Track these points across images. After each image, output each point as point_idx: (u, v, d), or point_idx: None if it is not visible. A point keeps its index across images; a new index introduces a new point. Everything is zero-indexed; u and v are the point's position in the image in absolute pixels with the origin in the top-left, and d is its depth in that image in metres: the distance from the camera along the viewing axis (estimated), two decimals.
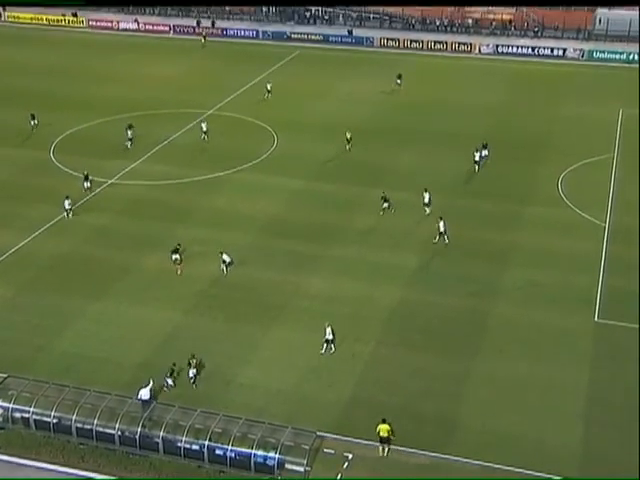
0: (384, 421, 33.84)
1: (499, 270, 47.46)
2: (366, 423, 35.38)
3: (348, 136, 64.30)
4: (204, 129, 66.11)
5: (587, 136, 67.41)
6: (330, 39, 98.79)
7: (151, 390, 36.31)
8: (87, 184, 56.98)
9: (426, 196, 53.46)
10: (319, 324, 41.87)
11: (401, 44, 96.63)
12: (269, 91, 76.13)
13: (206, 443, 33.61)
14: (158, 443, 34.14)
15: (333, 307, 43.88)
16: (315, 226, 52.77)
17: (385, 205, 53.88)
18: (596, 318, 42.93)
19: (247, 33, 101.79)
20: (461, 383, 38.30)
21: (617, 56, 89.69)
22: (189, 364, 38.25)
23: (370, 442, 34.44)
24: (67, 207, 53.18)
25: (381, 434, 33.75)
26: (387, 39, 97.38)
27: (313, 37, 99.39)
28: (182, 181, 59.46)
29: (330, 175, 60.41)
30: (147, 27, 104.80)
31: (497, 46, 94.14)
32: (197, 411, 34.87)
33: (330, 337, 40.19)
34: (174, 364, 38.28)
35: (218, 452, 33.58)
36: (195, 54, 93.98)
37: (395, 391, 37.68)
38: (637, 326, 41.90)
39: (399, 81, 78.62)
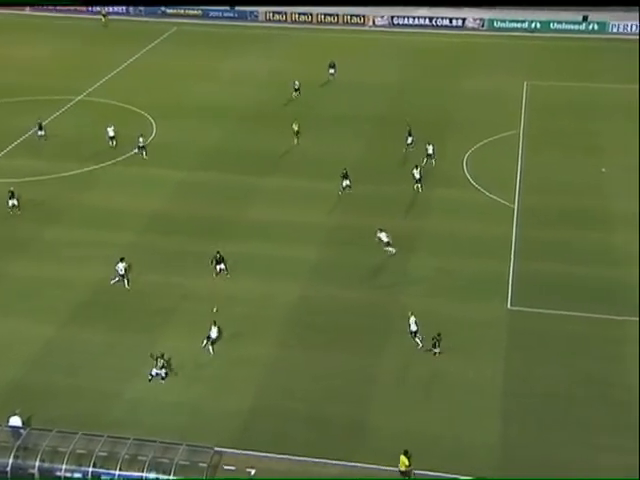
0: (405, 453, 33.13)
1: (405, 259, 48.21)
2: (269, 434, 35.50)
3: (295, 128, 62.73)
4: (111, 134, 62.27)
5: (491, 111, 69.20)
6: (210, 14, 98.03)
7: (22, 417, 35.31)
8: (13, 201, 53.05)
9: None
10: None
11: (288, 18, 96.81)
12: (297, 89, 72.14)
13: (90, 470, 33.00)
14: (34, 474, 33.27)
15: (227, 308, 43.55)
16: (203, 221, 52.37)
17: (346, 183, 54.55)
18: (509, 305, 44.19)
19: (115, 9, 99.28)
20: (370, 383, 38.73)
21: (519, 25, 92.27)
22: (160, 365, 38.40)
23: (275, 455, 34.45)
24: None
25: (399, 467, 33.13)
26: (273, 13, 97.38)
27: (191, 12, 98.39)
28: (50, 177, 58.00)
29: (217, 164, 60.05)
30: None
31: (392, 18, 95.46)
32: (78, 434, 34.14)
33: (214, 335, 40.66)
34: (162, 354, 38.62)
35: (104, 478, 32.97)
36: (58, 34, 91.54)
37: (299, 396, 37.80)
38: (550, 311, 43.37)
39: (332, 71, 76.74)
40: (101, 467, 33.09)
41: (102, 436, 34.15)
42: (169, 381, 38.76)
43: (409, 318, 40.84)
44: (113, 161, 60.43)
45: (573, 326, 42.36)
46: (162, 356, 38.89)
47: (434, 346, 40.03)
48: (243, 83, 76.14)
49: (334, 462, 34.22)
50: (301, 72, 77.63)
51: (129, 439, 33.96)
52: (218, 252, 46.48)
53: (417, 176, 55.24)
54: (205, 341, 40.67)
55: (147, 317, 43.37)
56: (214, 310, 41.49)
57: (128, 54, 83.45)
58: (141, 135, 61.40)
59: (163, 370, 38.63)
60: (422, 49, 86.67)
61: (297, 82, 72.30)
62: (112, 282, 45.85)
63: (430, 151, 59.10)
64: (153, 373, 38.59)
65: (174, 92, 73.94)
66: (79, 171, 58.94)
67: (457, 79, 77.08)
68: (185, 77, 77.45)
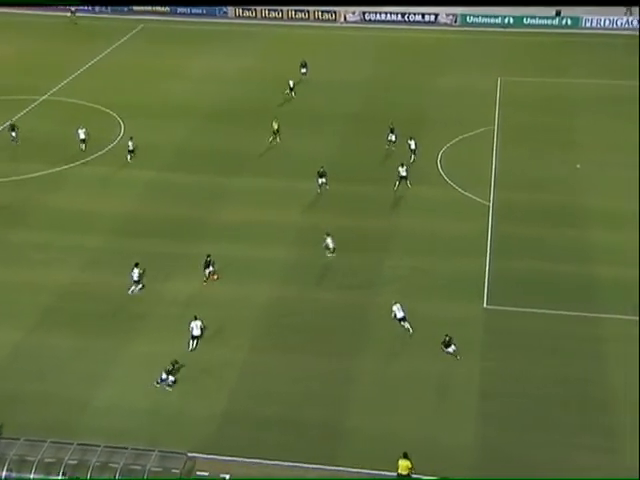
0: (405, 456, 33.09)
1: (380, 259, 48.28)
2: (243, 438, 35.48)
3: (275, 126, 62.27)
4: (82, 137, 61.26)
5: (464, 108, 69.41)
6: (178, 11, 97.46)
7: None
8: None
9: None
10: (183, 333, 41.57)
11: (258, 14, 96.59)
12: (292, 88, 71.59)
13: (59, 478, 32.70)
14: None
15: (200, 312, 43.19)
16: (174, 222, 52.14)
17: (322, 181, 54.82)
18: (485, 305, 44.37)
19: (79, 6, 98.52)
20: (346, 385, 38.75)
21: (492, 20, 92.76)
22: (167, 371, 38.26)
23: (249, 459, 34.40)
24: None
25: (399, 471, 33.00)
26: (242, 9, 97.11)
27: (158, 9, 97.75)
28: (15, 179, 57.50)
29: (188, 164, 59.80)
30: None
31: (364, 13, 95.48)
32: (47, 442, 33.91)
33: (197, 333, 40.77)
34: (176, 361, 38.77)
35: None
36: (22, 32, 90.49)
37: (273, 400, 37.75)
38: (526, 310, 43.66)
39: (304, 70, 75.85)
40: (72, 475, 32.77)
41: (72, 444, 33.94)
42: (140, 385, 38.59)
43: (392, 306, 41.43)
44: (81, 162, 60.02)
45: (550, 324, 42.62)
46: (176, 362, 38.85)
47: (447, 346, 39.94)
48: (213, 81, 75.86)
49: (311, 466, 34.21)
50: (273, 70, 77.74)
51: (99, 446, 33.77)
52: (208, 255, 46.12)
53: (403, 174, 55.23)
54: (194, 342, 41.03)
55: (117, 321, 43.12)
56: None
57: (94, 52, 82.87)
58: (130, 138, 60.45)
59: (170, 376, 38.30)
60: (395, 45, 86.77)
61: (291, 81, 71.90)
62: (130, 292, 45.29)
63: (412, 146, 59.38)
64: (163, 378, 38.22)
65: (143, 91, 73.60)
66: (46, 172, 58.48)
67: (430, 75, 77.27)
68: (154, 75, 77.12)
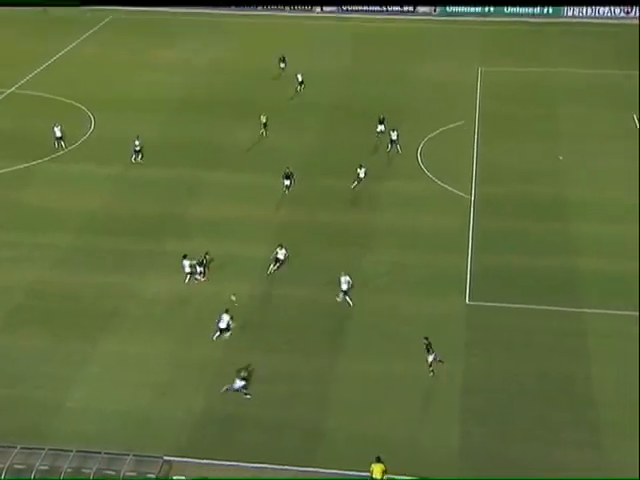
0: (378, 460, 32.81)
1: (360, 255, 48.24)
2: (220, 441, 35.40)
3: (263, 120, 62.11)
4: (57, 134, 60.16)
5: (445, 99, 69.57)
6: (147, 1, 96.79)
7: None
8: None
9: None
10: (158, 332, 41.41)
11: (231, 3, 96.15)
12: (301, 83, 70.83)
13: None
14: None
15: (174, 311, 43.38)
16: (147, 219, 51.92)
17: (287, 183, 54.29)
18: (467, 300, 44.45)
19: None
20: (326, 385, 38.70)
21: (472, 9, 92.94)
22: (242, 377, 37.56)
23: (226, 462, 34.27)
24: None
25: (374, 476, 32.73)
26: None
27: None
28: None
29: (161, 158, 59.45)
30: None
31: (341, 2, 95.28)
32: (17, 448, 33.62)
33: (223, 326, 41.02)
34: (249, 365, 38.58)
35: None
36: None
37: (250, 400, 37.60)
38: (509, 305, 43.79)
39: (283, 65, 75.07)
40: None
41: (43, 449, 33.67)
42: (114, 387, 38.38)
43: (341, 277, 42.96)
44: (50, 157, 59.58)
45: (533, 320, 42.76)
46: (246, 368, 38.38)
47: (428, 351, 38.85)
48: (186, 73, 75.46)
49: (289, 467, 34.15)
50: (248, 61, 77.72)
51: (72, 451, 33.53)
52: (207, 253, 45.94)
53: (362, 175, 54.84)
54: (218, 333, 41.09)
55: (88, 321, 42.84)
56: (232, 298, 42.26)
57: (63, 44, 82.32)
58: (137, 137, 59.11)
59: (243, 382, 37.56)
60: (373, 35, 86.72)
61: (299, 75, 71.22)
62: (187, 280, 45.57)
63: (394, 137, 59.43)
64: (237, 386, 37.50)
65: (113, 83, 73.15)
66: (13, 168, 58.06)
67: (410, 66, 77.29)
68: (124, 67, 76.72)
